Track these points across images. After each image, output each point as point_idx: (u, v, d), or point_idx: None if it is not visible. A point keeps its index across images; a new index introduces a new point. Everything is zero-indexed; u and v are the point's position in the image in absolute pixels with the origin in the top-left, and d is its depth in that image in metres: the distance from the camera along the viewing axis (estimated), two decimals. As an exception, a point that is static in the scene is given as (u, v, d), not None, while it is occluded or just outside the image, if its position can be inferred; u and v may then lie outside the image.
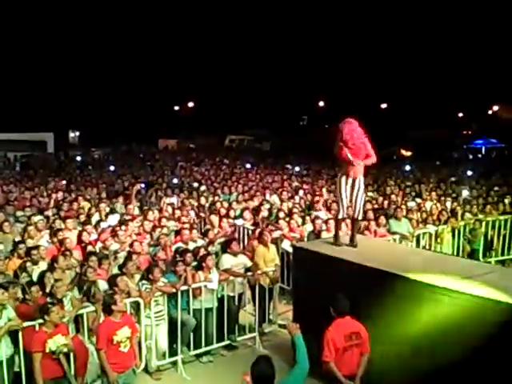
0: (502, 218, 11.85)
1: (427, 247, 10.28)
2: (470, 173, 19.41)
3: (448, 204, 12.70)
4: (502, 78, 40.39)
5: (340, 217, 7.11)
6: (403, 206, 11.65)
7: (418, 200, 13.35)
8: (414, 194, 14.33)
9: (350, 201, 6.94)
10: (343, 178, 6.87)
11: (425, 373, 5.50)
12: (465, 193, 14.44)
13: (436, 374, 5.39)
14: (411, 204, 12.52)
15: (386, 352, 5.64)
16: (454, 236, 10.96)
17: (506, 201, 12.82)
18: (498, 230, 11.70)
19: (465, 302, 5.26)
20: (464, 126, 47.17)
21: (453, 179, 17.89)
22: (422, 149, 32.23)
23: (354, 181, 6.84)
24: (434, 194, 13.68)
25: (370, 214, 10.80)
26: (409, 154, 35.16)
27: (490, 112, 49.66)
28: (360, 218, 7.30)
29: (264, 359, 4.28)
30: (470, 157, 34.12)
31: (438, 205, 12.47)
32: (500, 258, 11.62)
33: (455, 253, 10.71)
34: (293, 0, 48.66)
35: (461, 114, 50.69)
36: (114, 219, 10.41)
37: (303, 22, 49.82)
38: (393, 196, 13.21)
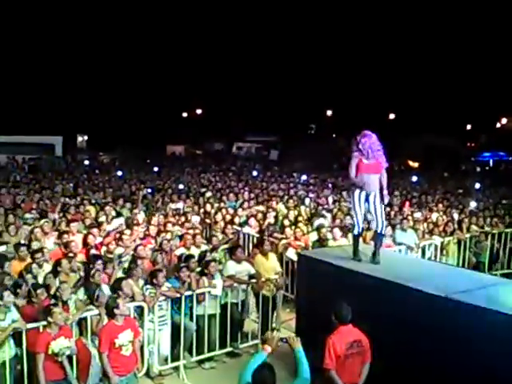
0: (508, 230, 11.80)
1: (433, 258, 10.24)
2: (477, 185, 19.36)
3: (455, 216, 12.65)
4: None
5: (356, 232, 6.86)
6: (409, 217, 11.62)
7: (424, 211, 13.31)
8: (420, 204, 14.30)
9: (371, 215, 6.78)
10: (357, 192, 6.65)
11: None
12: (472, 205, 14.38)
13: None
14: (417, 215, 12.48)
15: (390, 364, 5.60)
16: (459, 248, 10.92)
17: (513, 214, 12.79)
18: (503, 243, 11.64)
19: (472, 313, 5.23)
20: (472, 138, 47.07)
21: (460, 191, 17.85)
22: (430, 160, 32.20)
23: (368, 195, 6.63)
24: (440, 205, 13.65)
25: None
26: (416, 165, 35.11)
27: (498, 125, 49.52)
28: (384, 232, 7.03)
29: (266, 367, 4.27)
30: (478, 169, 34.00)
31: (445, 216, 12.43)
32: (506, 271, 11.53)
33: (461, 265, 10.66)
34: (301, 10, 48.87)
35: (469, 127, 50.58)
36: (115, 223, 10.44)
37: (312, 30, 49.98)
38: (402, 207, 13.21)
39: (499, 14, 41.92)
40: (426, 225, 11.49)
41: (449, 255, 10.74)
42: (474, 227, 11.42)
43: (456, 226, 11.28)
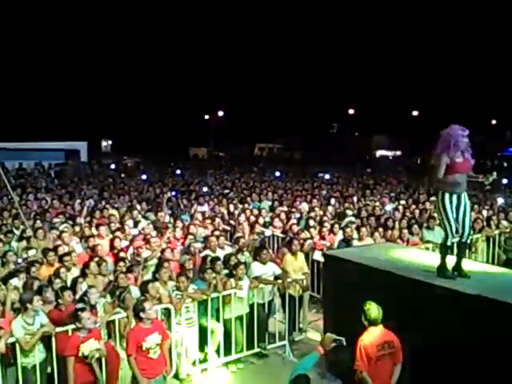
0: (539, 226, 11.50)
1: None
2: (505, 181, 18.94)
3: (484, 212, 12.40)
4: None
5: (449, 243, 6.02)
6: (435, 214, 11.43)
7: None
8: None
9: (457, 221, 5.94)
10: (447, 196, 5.86)
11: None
12: (500, 201, 14.08)
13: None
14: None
15: (420, 366, 5.50)
16: (488, 245, 10.69)
17: (544, 209, 12.46)
18: (534, 239, 11.34)
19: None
20: (497, 134, 46.26)
21: (488, 187, 17.49)
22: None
23: (458, 198, 5.91)
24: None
25: (403, 223, 10.66)
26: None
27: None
28: (469, 241, 6.30)
29: (303, 378, 4.22)
30: (505, 164, 33.33)
31: (473, 213, 12.18)
32: (537, 268, 11.25)
33: (490, 262, 10.44)
34: (321, 11, 48.77)
35: (494, 122, 49.75)
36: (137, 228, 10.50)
37: (333, 30, 49.76)
38: (427, 204, 13.01)
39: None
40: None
41: (478, 252, 10.53)
42: (503, 223, 11.17)
43: (484, 222, 11.06)
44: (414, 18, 47.49)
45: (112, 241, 9.12)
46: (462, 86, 45.65)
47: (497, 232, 10.83)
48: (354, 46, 48.66)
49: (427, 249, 9.60)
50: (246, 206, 13.38)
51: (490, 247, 10.69)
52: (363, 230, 9.75)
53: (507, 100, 42.88)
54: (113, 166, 26.46)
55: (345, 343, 4.67)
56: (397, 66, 47.63)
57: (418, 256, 7.40)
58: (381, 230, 10.03)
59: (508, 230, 10.99)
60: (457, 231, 5.98)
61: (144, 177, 20.58)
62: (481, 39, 45.05)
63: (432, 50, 46.67)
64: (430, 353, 5.58)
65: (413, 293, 5.95)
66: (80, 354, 5.66)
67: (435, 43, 46.49)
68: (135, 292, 6.99)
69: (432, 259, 7.16)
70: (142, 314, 5.76)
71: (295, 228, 10.61)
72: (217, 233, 9.86)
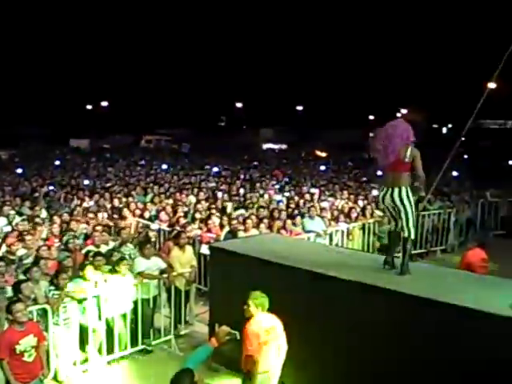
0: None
1: (339, 244, 10.61)
2: (379, 173, 20.21)
3: (360, 202, 13.16)
4: (411, 82, 42.96)
5: (413, 236, 5.96)
6: (317, 205, 11.97)
7: (331, 199, 13.74)
8: (327, 193, 14.74)
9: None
10: (409, 188, 5.82)
11: (347, 373, 5.66)
12: (374, 192, 15.02)
13: (360, 374, 5.55)
14: (324, 204, 12.84)
15: (306, 352, 5.72)
16: (364, 232, 11.38)
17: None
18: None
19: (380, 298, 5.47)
20: (375, 128, 49.30)
21: (364, 179, 18.61)
22: (336, 150, 33.39)
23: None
24: (345, 192, 14.15)
25: (283, 214, 11.01)
26: (324, 154, 36.22)
27: (398, 114, 52.16)
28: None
29: (187, 373, 4.15)
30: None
31: (350, 203, 12.91)
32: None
33: (366, 249, 11.13)
34: (214, 6, 48.78)
35: (372, 117, 52.94)
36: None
37: (222, 23, 49.96)
38: (307, 195, 13.55)
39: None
40: (332, 212, 11.87)
41: (354, 240, 11.17)
42: (377, 212, 11.93)
43: (361, 212, 11.74)
44: (298, 17, 49.15)
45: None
46: (342, 83, 48.06)
47: (371, 220, 11.56)
48: (240, 42, 49.24)
49: (309, 238, 10.04)
50: (131, 199, 13.04)
51: (366, 234, 11.40)
52: (249, 221, 9.91)
53: (382, 97, 45.91)
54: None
55: (238, 337, 4.72)
56: (281, 63, 49.02)
57: (299, 245, 7.69)
58: (266, 221, 10.27)
59: (381, 219, 11.77)
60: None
61: (19, 170, 19.28)
62: (354, 38, 47.67)
63: (313, 48, 48.59)
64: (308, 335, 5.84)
65: (295, 281, 6.17)
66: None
67: (317, 42, 48.44)
68: (10, 293, 6.55)
69: (313, 248, 7.49)
70: (13, 316, 5.42)
71: (182, 221, 10.55)
72: (99, 228, 9.49)
